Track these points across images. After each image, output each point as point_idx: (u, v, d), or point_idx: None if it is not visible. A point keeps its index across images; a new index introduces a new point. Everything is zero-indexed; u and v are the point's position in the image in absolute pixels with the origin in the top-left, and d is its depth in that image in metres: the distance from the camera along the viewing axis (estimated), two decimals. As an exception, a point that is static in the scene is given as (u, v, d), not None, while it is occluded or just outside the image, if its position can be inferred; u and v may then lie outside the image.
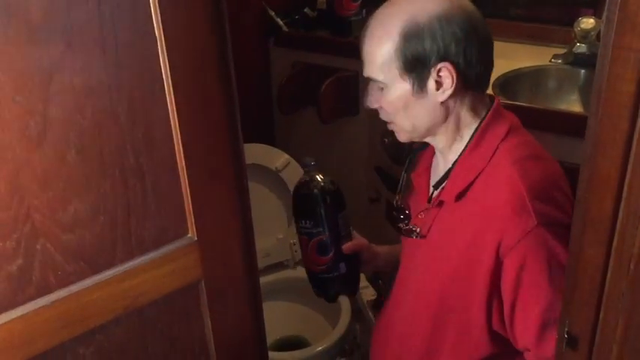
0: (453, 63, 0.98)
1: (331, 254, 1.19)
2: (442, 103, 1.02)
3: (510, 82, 1.65)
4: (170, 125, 0.86)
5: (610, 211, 0.67)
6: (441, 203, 1.08)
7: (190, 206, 0.91)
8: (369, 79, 1.06)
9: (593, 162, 0.68)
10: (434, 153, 1.18)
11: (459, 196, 1.04)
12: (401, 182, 1.22)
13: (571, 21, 1.68)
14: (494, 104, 1.07)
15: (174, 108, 0.85)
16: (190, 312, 0.97)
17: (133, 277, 0.88)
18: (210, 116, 0.89)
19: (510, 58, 1.77)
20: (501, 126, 1.05)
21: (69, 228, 0.81)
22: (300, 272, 2.10)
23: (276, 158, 1.99)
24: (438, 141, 1.09)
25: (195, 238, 0.93)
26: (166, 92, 0.84)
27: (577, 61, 1.65)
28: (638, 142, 0.62)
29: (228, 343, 1.03)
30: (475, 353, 1.06)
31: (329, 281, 1.23)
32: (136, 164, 0.84)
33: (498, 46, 1.87)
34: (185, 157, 0.88)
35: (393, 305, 1.21)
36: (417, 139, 1.11)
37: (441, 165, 1.13)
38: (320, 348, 1.77)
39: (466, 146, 1.06)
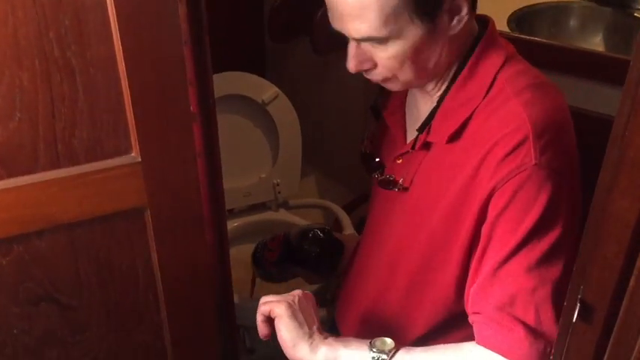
0: None
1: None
2: (454, 36, 0.85)
3: (527, 17, 1.47)
4: (107, 14, 0.69)
5: (656, 152, 0.52)
6: (427, 146, 0.92)
7: (133, 119, 0.76)
8: (357, 41, 0.85)
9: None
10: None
11: (453, 136, 0.88)
12: (369, 125, 1.05)
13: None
14: (489, 28, 0.90)
15: (113, -7, 0.68)
16: (134, 241, 0.85)
17: (59, 188, 0.76)
18: (162, 6, 0.71)
19: (530, -8, 1.58)
20: (498, 53, 0.88)
21: None
22: (283, 215, 1.98)
23: (264, 90, 1.81)
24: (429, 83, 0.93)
25: (139, 159, 0.79)
26: (103, -31, 0.67)
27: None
28: None
29: (181, 281, 0.91)
30: (454, 311, 0.92)
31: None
32: (62, 57, 0.69)
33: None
34: (126, 57, 0.72)
35: (365, 263, 1.07)
36: (415, 87, 0.94)
37: (420, 102, 0.96)
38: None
39: (455, 77, 0.89)
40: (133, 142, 0.78)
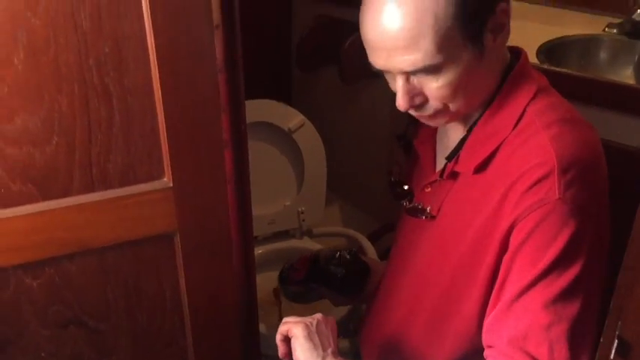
0: None
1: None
2: (497, 57, 0.85)
3: (557, 49, 1.47)
4: (146, 43, 0.71)
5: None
6: (455, 175, 0.92)
7: (167, 145, 0.77)
8: (407, 76, 0.82)
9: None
10: None
11: (480, 167, 0.87)
12: (395, 154, 1.05)
13: (631, -11, 1.49)
14: (522, 59, 0.89)
15: (151, 22, 0.70)
16: (162, 266, 0.85)
17: (92, 212, 0.77)
18: (199, 36, 0.73)
19: (559, 24, 1.58)
20: (529, 85, 0.87)
21: (15, 142, 0.70)
22: (307, 243, 1.98)
23: (291, 118, 1.83)
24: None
25: (171, 184, 0.79)
26: (142, 0, 0.68)
27: (635, 31, 1.45)
28: None
29: (208, 307, 0.90)
30: (477, 341, 0.90)
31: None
32: (100, 83, 0.70)
33: (546, 12, 1.71)
34: (163, 85, 0.73)
35: (389, 291, 1.06)
36: (461, 117, 0.90)
37: (450, 131, 0.95)
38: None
39: (486, 108, 0.88)
40: (165, 168, 0.78)
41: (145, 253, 0.83)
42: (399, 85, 0.82)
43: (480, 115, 0.88)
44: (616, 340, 0.61)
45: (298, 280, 1.26)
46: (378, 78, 1.92)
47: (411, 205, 0.98)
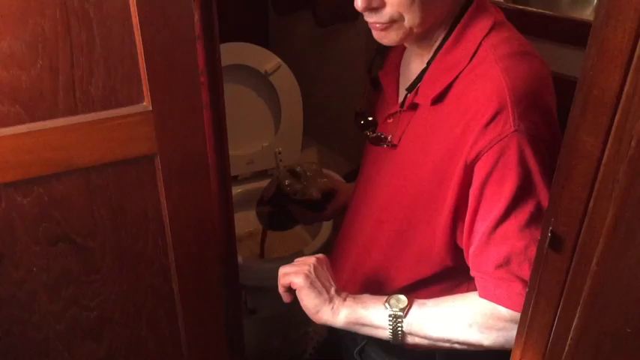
0: None
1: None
2: None
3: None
4: (123, -31, 0.75)
5: (616, 90, 0.58)
6: (415, 106, 0.98)
7: (145, 70, 0.82)
8: None
9: (604, 32, 0.58)
10: (403, 49, 1.06)
11: (437, 99, 0.93)
12: (365, 86, 1.10)
13: None
14: None
15: (128, -52, 0.74)
16: (144, 187, 0.91)
17: (77, 134, 0.82)
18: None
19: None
20: (486, 19, 0.92)
21: (1, 64, 0.75)
22: (284, 183, 2.05)
23: (267, 61, 1.87)
24: (424, 38, 0.96)
25: (150, 108, 0.85)
26: None
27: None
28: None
29: (187, 226, 0.97)
30: (434, 266, 0.99)
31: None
32: (80, 9, 0.75)
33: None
34: (140, 11, 0.78)
35: (354, 218, 1.13)
36: (410, 42, 0.96)
37: (413, 64, 1.01)
38: (298, 257, 1.71)
39: (443, 41, 0.94)
40: (145, 92, 0.83)
41: (127, 174, 0.89)
42: None
43: (438, 49, 0.94)
44: (549, 234, 0.69)
45: (268, 200, 1.34)
46: (352, 21, 1.97)
47: (374, 135, 1.05)
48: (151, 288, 1.02)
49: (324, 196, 1.31)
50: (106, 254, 0.95)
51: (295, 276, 0.98)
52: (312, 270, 0.98)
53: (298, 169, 1.34)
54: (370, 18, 0.90)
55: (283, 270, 1.01)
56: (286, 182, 1.32)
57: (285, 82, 1.90)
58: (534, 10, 1.41)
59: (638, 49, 0.54)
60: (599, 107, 0.59)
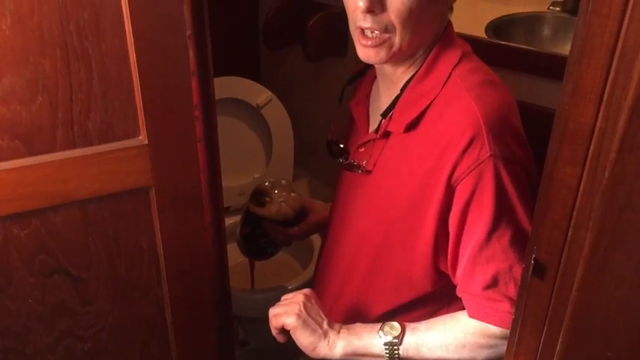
0: None
1: None
2: (442, 13, 0.95)
3: (504, 26, 1.57)
4: (121, 11, 0.79)
5: (590, 124, 0.61)
6: (387, 135, 1.01)
7: (142, 105, 0.85)
8: None
9: (577, 69, 0.62)
10: (373, 80, 1.10)
11: (409, 127, 0.97)
12: (337, 115, 1.14)
13: (575, -32, 1.59)
14: (448, 28, 0.99)
15: (127, -9, 0.77)
16: (140, 218, 0.93)
17: (74, 167, 0.84)
18: (170, 6, 0.81)
19: (506, 3, 1.69)
20: (455, 51, 0.97)
21: (3, 101, 0.77)
22: (275, 214, 2.06)
23: (259, 94, 1.91)
24: (402, 64, 0.99)
25: (146, 142, 0.87)
26: (118, -28, 0.76)
27: (576, 8, 1.56)
28: (624, 45, 0.56)
29: (181, 257, 0.98)
30: (414, 292, 1.01)
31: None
32: (80, 47, 0.78)
33: (496, -8, 1.81)
34: (137, 49, 0.81)
35: (333, 246, 1.15)
36: (393, 63, 0.99)
37: (383, 93, 1.05)
38: (290, 287, 1.72)
39: (416, 72, 0.98)
40: (141, 126, 0.86)
41: (123, 206, 0.91)
42: None
43: (411, 78, 0.98)
44: (532, 262, 0.71)
45: (241, 223, 1.35)
46: (341, 56, 2.01)
47: (347, 162, 1.08)
48: (144, 318, 1.03)
49: (296, 214, 1.33)
50: (101, 285, 0.97)
51: (287, 317, 1.00)
52: (302, 308, 1.00)
53: (267, 183, 1.36)
54: (366, 23, 0.91)
55: (273, 311, 1.03)
56: (253, 199, 1.34)
57: (276, 114, 1.94)
58: (517, 45, 1.47)
59: (608, 86, 0.57)
60: (575, 140, 0.63)
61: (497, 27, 1.55)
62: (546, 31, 1.63)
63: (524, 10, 1.65)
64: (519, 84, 1.31)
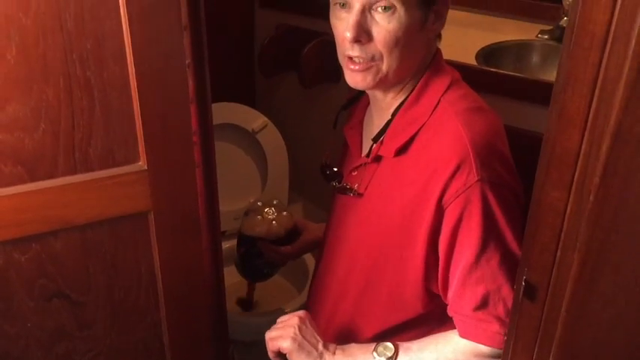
0: None
1: None
2: (429, 41, 0.98)
3: (494, 53, 1.61)
4: (123, 41, 0.81)
5: (576, 149, 0.64)
6: (379, 159, 1.04)
7: (142, 132, 0.87)
8: (363, 9, 0.90)
9: (563, 98, 0.65)
10: (366, 105, 1.12)
11: (400, 151, 0.99)
12: (330, 140, 1.17)
13: (561, -2, 1.64)
14: (437, 55, 1.02)
15: (128, 24, 0.80)
16: (138, 243, 0.94)
17: (75, 192, 0.86)
18: (170, 36, 0.83)
19: (496, 31, 1.73)
20: (444, 78, 1.00)
21: (6, 128, 0.79)
22: (270, 238, 2.08)
23: (254, 119, 1.94)
24: (391, 90, 1.02)
25: (146, 167, 0.89)
26: (120, 4, 0.79)
27: (563, 36, 1.61)
28: (605, 76, 0.59)
29: (179, 281, 1.00)
30: (405, 314, 1.03)
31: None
32: (83, 76, 0.80)
33: (485, 20, 1.86)
34: (138, 78, 0.84)
35: (326, 267, 1.17)
36: (382, 89, 1.01)
37: (375, 118, 1.07)
38: (286, 311, 1.73)
39: (406, 98, 1.00)
40: (140, 152, 0.88)
41: (122, 231, 0.93)
42: (353, 16, 0.91)
43: (402, 104, 1.01)
44: (523, 284, 0.73)
45: (237, 248, 1.37)
46: (335, 82, 2.05)
47: (340, 186, 1.10)
48: (142, 342, 1.04)
49: (288, 232, 1.35)
50: (99, 309, 0.98)
51: (283, 341, 1.02)
52: (297, 331, 1.02)
53: (259, 203, 1.38)
54: (354, 52, 0.93)
55: (269, 335, 1.05)
56: (245, 219, 1.36)
57: (272, 139, 1.96)
58: (506, 72, 1.50)
59: (591, 114, 0.60)
60: (562, 165, 0.65)
61: (488, 54, 1.59)
62: (535, 58, 1.67)
63: (514, 38, 1.69)
64: (509, 109, 1.34)
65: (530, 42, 1.68)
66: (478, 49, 1.60)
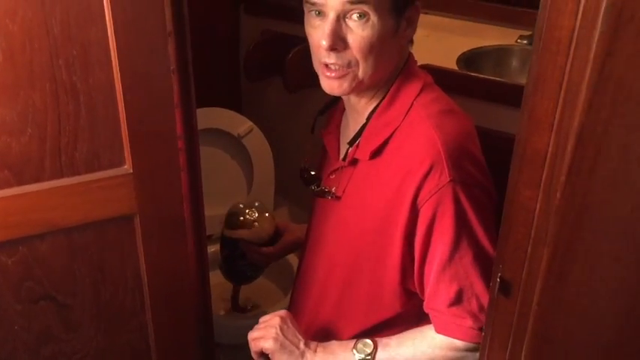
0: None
1: None
2: (402, 47, 1.01)
3: (474, 58, 1.64)
4: (108, 47, 0.83)
5: (544, 150, 0.66)
6: (355, 162, 1.06)
7: (127, 136, 0.89)
8: (339, 16, 0.92)
9: (532, 100, 0.68)
10: (342, 111, 1.15)
11: (374, 154, 1.02)
12: (309, 144, 1.20)
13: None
14: (409, 60, 1.05)
15: (113, 30, 0.82)
16: (124, 246, 0.96)
17: (61, 196, 0.87)
18: (154, 42, 0.85)
19: (476, 36, 1.76)
20: (416, 82, 1.02)
21: None
22: (256, 242, 2.09)
23: (240, 124, 1.96)
24: (365, 94, 1.04)
25: (131, 171, 0.91)
26: (105, 11, 0.81)
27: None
28: (569, 78, 0.62)
29: (165, 284, 1.01)
30: (384, 313, 1.06)
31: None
32: (69, 82, 0.82)
33: (466, 26, 1.90)
34: (123, 83, 0.85)
35: (306, 269, 1.20)
36: (357, 93, 1.02)
37: (351, 123, 1.10)
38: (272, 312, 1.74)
39: (380, 102, 1.03)
40: (126, 156, 0.90)
41: (108, 234, 0.94)
42: (329, 25, 0.92)
43: (376, 108, 1.03)
44: (498, 281, 0.76)
45: (220, 251, 1.39)
46: (319, 87, 2.07)
47: (318, 189, 1.13)
48: (128, 344, 1.05)
49: (270, 234, 1.36)
50: (85, 312, 0.99)
51: (265, 341, 1.05)
52: (278, 331, 1.04)
53: (241, 205, 1.40)
54: (330, 59, 0.95)
55: (251, 336, 1.07)
56: (227, 221, 1.37)
57: (257, 144, 1.98)
58: (486, 76, 1.54)
59: (557, 115, 0.63)
60: (533, 165, 0.68)
61: (468, 59, 1.62)
62: (514, 62, 1.71)
63: (494, 44, 1.72)
64: (489, 113, 1.37)
65: (509, 47, 1.71)
66: (459, 54, 1.63)
